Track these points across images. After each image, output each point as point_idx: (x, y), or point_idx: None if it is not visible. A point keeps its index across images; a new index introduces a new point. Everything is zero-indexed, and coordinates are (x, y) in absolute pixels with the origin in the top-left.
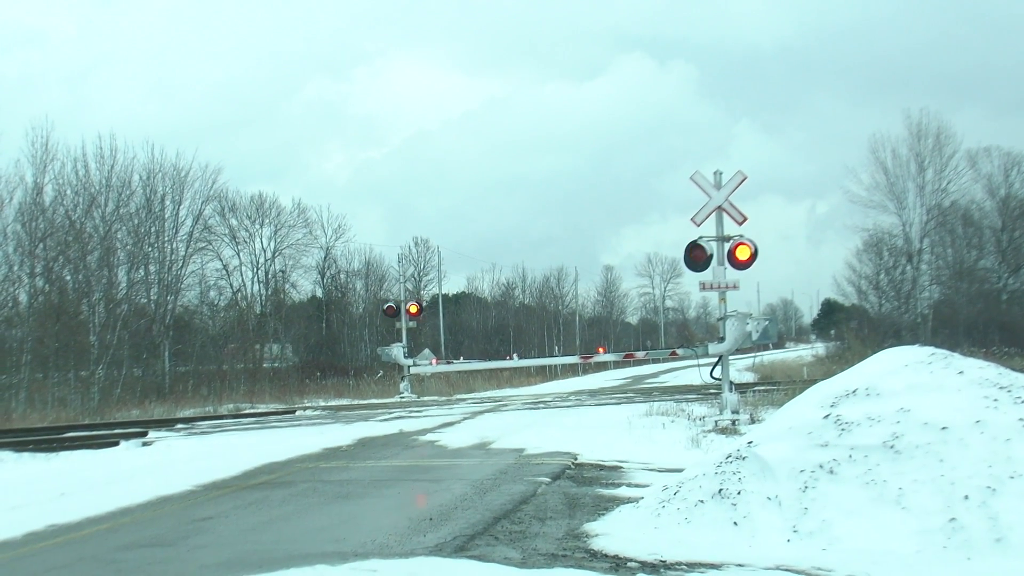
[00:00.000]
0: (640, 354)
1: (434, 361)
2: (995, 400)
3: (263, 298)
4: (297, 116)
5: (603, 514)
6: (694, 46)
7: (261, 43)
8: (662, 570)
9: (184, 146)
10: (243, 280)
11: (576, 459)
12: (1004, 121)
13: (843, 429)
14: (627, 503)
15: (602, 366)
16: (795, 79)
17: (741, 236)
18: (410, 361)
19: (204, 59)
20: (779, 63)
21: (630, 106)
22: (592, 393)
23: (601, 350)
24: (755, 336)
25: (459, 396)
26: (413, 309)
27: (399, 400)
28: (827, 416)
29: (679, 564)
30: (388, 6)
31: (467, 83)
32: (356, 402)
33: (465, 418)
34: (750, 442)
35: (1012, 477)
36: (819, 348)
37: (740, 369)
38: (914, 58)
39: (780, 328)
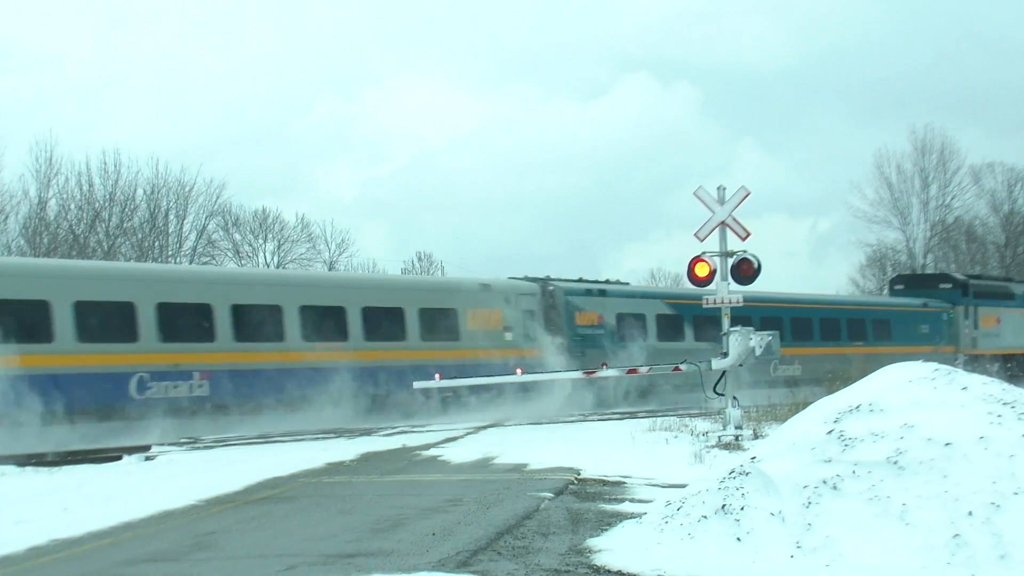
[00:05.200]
0: (643, 370)
1: (438, 376)
2: (999, 416)
3: None
4: (306, 134)
5: (606, 530)
6: (698, 67)
7: (273, 63)
8: None
9: (191, 161)
10: None
11: (579, 474)
12: (1006, 141)
13: (847, 445)
14: (630, 519)
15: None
16: (797, 99)
17: (744, 251)
18: None
19: (215, 78)
20: (781, 83)
21: (634, 125)
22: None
23: (604, 366)
24: (758, 351)
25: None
26: None
27: None
28: (830, 432)
29: None
30: (398, 28)
31: (473, 102)
32: None
33: (468, 433)
34: (753, 457)
35: (1016, 493)
36: None
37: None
38: (915, 78)
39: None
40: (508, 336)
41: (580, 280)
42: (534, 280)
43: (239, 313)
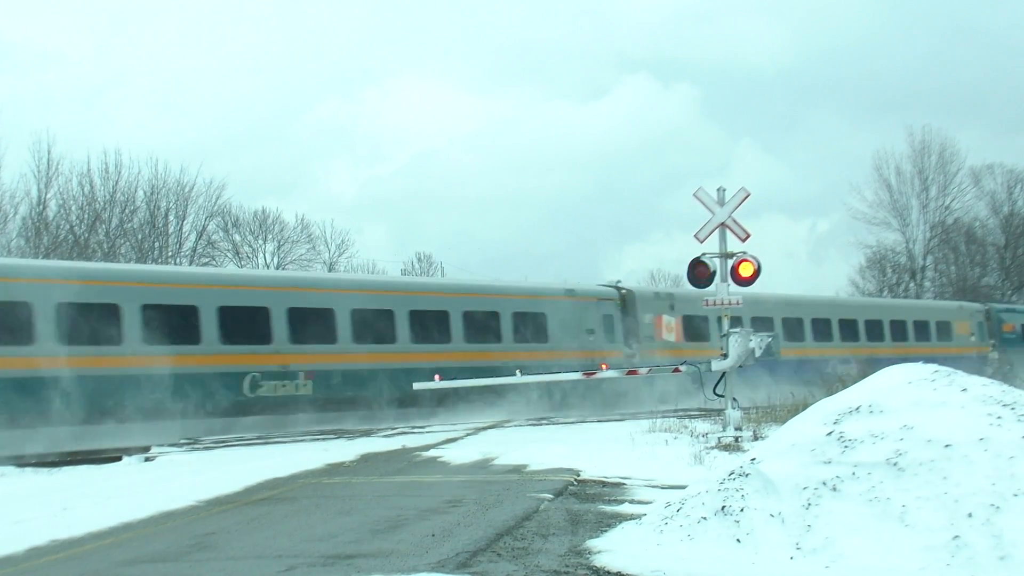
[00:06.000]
0: (643, 371)
1: (437, 377)
2: (999, 417)
3: None
4: (306, 133)
5: (606, 531)
6: (698, 67)
7: (273, 63)
8: None
9: (191, 162)
10: None
11: (579, 475)
12: (1006, 140)
13: (846, 446)
14: (630, 520)
15: None
16: (796, 99)
17: (744, 253)
18: None
19: (216, 78)
20: (780, 82)
21: (634, 126)
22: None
23: (604, 367)
24: (758, 353)
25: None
26: None
27: None
28: (830, 433)
29: None
30: (398, 28)
31: (473, 102)
32: None
33: (468, 434)
34: (753, 459)
35: (1016, 495)
36: None
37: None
38: (914, 77)
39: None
40: (972, 339)
41: (1001, 301)
42: (980, 303)
43: None
